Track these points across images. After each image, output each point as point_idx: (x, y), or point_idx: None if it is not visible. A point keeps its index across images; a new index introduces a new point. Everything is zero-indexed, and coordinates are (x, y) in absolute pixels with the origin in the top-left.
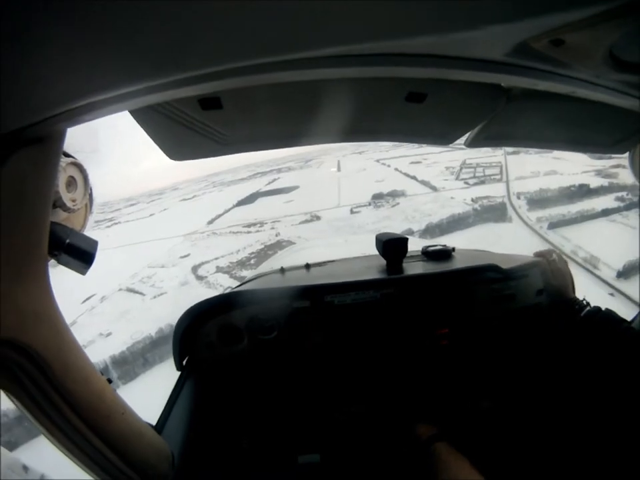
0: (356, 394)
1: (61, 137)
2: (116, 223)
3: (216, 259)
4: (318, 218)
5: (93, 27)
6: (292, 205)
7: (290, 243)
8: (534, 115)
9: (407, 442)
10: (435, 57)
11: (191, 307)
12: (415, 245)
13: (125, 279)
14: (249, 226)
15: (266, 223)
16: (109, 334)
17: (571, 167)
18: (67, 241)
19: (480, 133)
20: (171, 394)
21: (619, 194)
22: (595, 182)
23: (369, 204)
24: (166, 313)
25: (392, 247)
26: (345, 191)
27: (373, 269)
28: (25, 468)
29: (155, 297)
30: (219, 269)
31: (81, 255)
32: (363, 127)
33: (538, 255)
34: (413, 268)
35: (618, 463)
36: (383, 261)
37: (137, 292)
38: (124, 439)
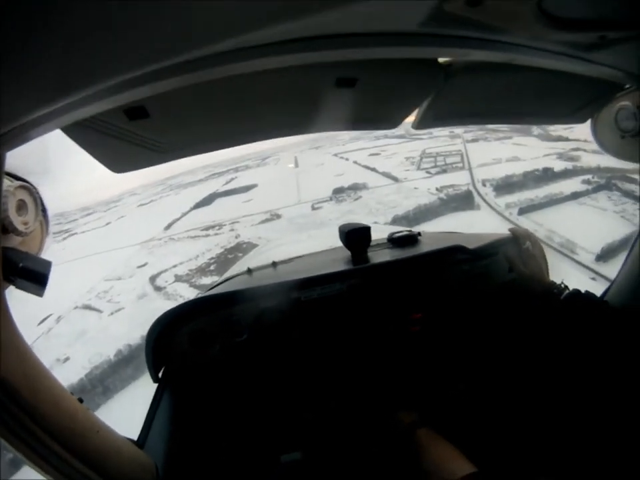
0: (334, 388)
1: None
2: (72, 234)
3: (174, 266)
4: (278, 216)
5: (5, 48)
6: (251, 205)
7: (251, 244)
8: (478, 89)
9: (388, 431)
10: (349, 36)
11: (160, 316)
12: (383, 234)
13: (81, 295)
14: (207, 229)
15: (225, 225)
16: (66, 359)
17: (532, 151)
18: (20, 264)
19: (426, 114)
20: (150, 406)
21: (585, 177)
22: (558, 165)
23: (330, 199)
24: (124, 332)
25: (355, 236)
26: (304, 187)
27: (338, 261)
28: None
29: (112, 314)
30: (178, 278)
31: (34, 278)
32: (298, 118)
33: (513, 232)
34: (379, 256)
35: (602, 442)
36: (348, 252)
37: (93, 309)
38: (103, 457)
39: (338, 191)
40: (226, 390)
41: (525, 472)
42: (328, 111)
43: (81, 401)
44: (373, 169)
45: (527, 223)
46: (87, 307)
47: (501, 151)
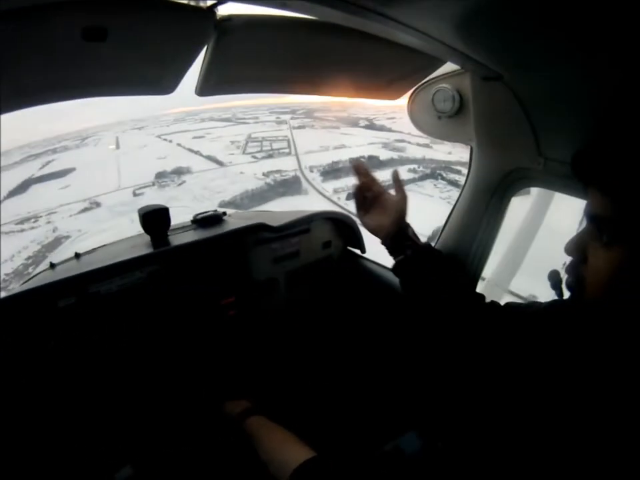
0: (152, 389)
1: None
2: None
3: None
4: (98, 204)
5: None
6: (69, 191)
7: (69, 238)
8: (265, 49)
9: (217, 424)
10: None
11: None
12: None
13: None
14: (22, 222)
15: (41, 217)
16: None
17: (358, 140)
18: None
19: (207, 77)
20: None
21: (411, 166)
22: (384, 154)
23: (153, 184)
24: None
25: (152, 218)
26: (125, 171)
27: (138, 246)
28: None
29: None
30: None
31: None
32: (41, 80)
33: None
34: (180, 238)
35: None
36: (148, 237)
37: None
38: None
39: (161, 175)
40: (45, 408)
41: (363, 450)
42: (84, 72)
43: None
44: (197, 152)
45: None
46: None
47: (328, 139)
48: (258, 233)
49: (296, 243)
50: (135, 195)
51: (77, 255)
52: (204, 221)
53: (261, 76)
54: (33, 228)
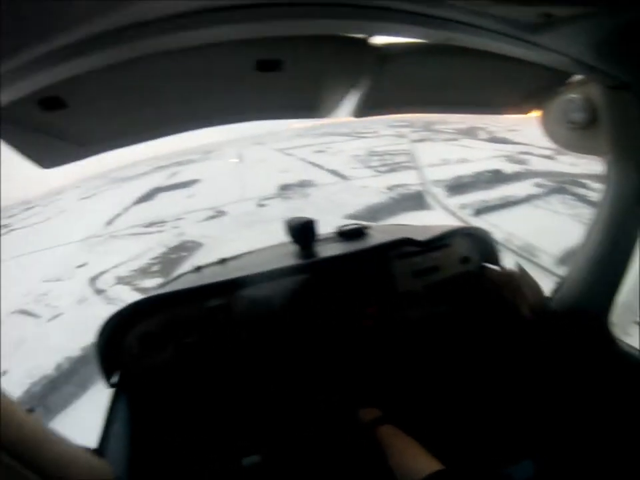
0: (291, 388)
1: None
2: (11, 231)
3: (115, 267)
4: (223, 213)
5: None
6: (194, 200)
7: (196, 243)
8: (414, 74)
9: (349, 429)
10: (273, 6)
11: (107, 319)
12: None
13: (19, 298)
14: (149, 225)
15: (167, 222)
16: (4, 372)
17: (479, 153)
18: None
19: (363, 101)
20: (106, 413)
21: (536, 180)
22: (508, 167)
23: (276, 196)
24: (63, 341)
25: (300, 230)
26: (249, 183)
27: (287, 256)
28: None
29: (50, 320)
30: (120, 280)
31: None
32: (220, 108)
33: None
34: (327, 250)
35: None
36: (296, 247)
37: (31, 314)
38: (58, 468)
39: (284, 188)
40: (182, 393)
41: (490, 467)
42: (249, 98)
43: (31, 410)
44: (320, 166)
45: (483, 224)
46: (25, 312)
47: (449, 152)
48: (401, 246)
49: (436, 257)
50: (258, 205)
51: (223, 260)
52: (348, 234)
53: (411, 98)
54: (159, 232)
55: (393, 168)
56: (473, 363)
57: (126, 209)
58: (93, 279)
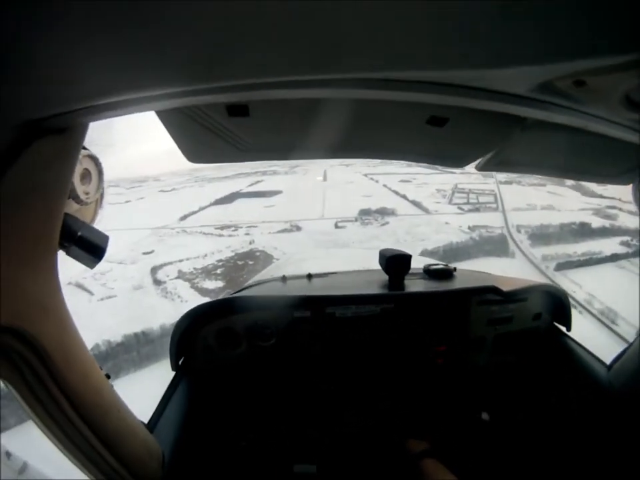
0: (352, 407)
1: (83, 129)
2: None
3: (180, 261)
4: (298, 228)
5: (129, 30)
6: (272, 211)
7: (264, 253)
8: (545, 144)
9: (398, 457)
10: (459, 87)
11: (192, 309)
12: (415, 263)
13: (77, 272)
14: (222, 228)
15: (241, 227)
16: None
17: (567, 202)
18: (79, 233)
19: (492, 158)
20: (164, 393)
21: (623, 238)
22: (595, 221)
23: (356, 219)
24: (109, 324)
25: (395, 262)
26: (329, 203)
27: (375, 283)
28: (8, 454)
29: (102, 299)
30: (181, 275)
31: (91, 249)
32: (385, 145)
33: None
34: (415, 285)
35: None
36: (385, 276)
37: (85, 289)
38: (119, 437)
39: (365, 213)
40: (244, 391)
41: None
42: (412, 144)
43: (108, 377)
44: (403, 196)
45: (565, 281)
46: (80, 286)
47: (535, 197)
48: (486, 293)
49: (512, 309)
50: (336, 227)
51: (309, 276)
52: (436, 273)
53: (535, 163)
54: (230, 236)
55: (477, 207)
56: (523, 417)
57: (202, 208)
58: (155, 269)
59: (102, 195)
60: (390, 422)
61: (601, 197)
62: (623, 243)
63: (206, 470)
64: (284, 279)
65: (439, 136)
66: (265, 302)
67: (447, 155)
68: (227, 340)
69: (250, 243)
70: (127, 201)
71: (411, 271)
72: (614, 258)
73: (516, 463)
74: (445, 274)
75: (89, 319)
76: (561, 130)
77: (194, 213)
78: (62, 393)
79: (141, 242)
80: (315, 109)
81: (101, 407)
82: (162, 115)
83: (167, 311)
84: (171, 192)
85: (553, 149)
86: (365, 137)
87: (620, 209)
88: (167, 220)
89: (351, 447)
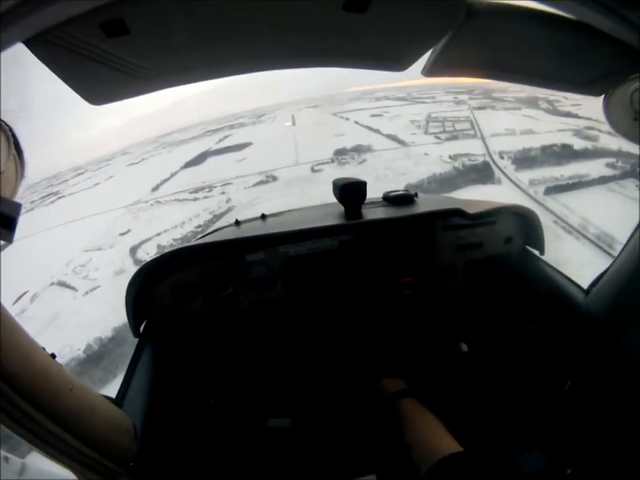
0: (320, 350)
1: None
2: (60, 197)
3: (158, 234)
4: (274, 178)
5: None
6: (245, 164)
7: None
8: (498, 37)
9: (373, 398)
10: None
11: (141, 267)
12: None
13: (58, 269)
14: (196, 191)
15: (215, 187)
16: None
17: (544, 125)
18: None
19: (438, 58)
20: (130, 362)
21: (608, 160)
22: (576, 143)
23: (332, 161)
24: (96, 318)
25: (349, 191)
26: (302, 147)
27: (331, 215)
28: (6, 459)
29: (86, 293)
30: (160, 249)
31: (1, 221)
32: (298, 47)
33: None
34: (373, 214)
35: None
36: (341, 208)
37: (68, 286)
38: (76, 417)
39: (340, 152)
40: (209, 347)
41: (499, 454)
42: (331, 40)
43: (53, 356)
44: (377, 130)
45: (556, 205)
46: (62, 284)
47: (511, 121)
48: (448, 218)
49: (481, 233)
50: (313, 171)
51: (263, 216)
52: (396, 200)
53: (491, 63)
54: (206, 197)
55: (455, 135)
56: (501, 346)
57: (173, 174)
58: (134, 249)
59: (20, 163)
60: (361, 362)
61: (577, 116)
62: (608, 165)
63: (180, 436)
64: (237, 223)
65: (362, 26)
66: (214, 248)
67: (378, 53)
68: (183, 295)
69: (227, 202)
70: (96, 184)
71: (369, 200)
72: (603, 180)
73: (496, 395)
74: (406, 199)
75: (75, 317)
76: (518, 18)
77: (165, 180)
78: (3, 381)
79: (115, 223)
80: (204, 13)
81: (50, 388)
82: (38, 52)
83: None
84: (140, 163)
85: (509, 43)
86: (272, 41)
87: (599, 130)
88: (139, 194)
89: (323, 393)
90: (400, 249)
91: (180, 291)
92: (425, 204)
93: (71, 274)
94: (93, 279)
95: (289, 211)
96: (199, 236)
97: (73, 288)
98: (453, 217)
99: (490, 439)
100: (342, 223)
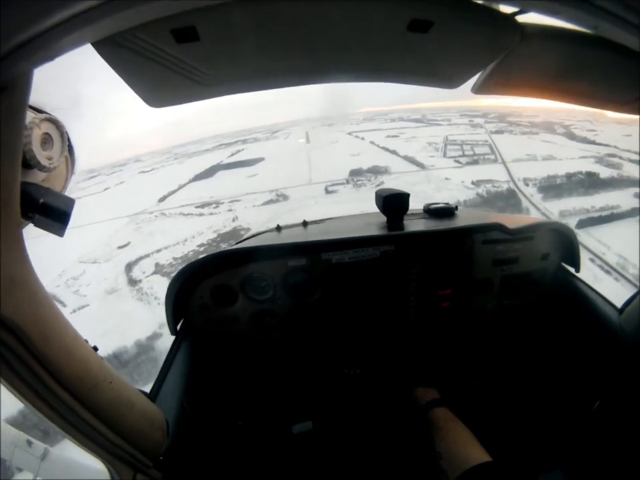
0: (355, 356)
1: (25, 81)
2: None
3: (157, 251)
4: (285, 197)
5: None
6: (255, 180)
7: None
8: (548, 58)
9: (405, 406)
10: None
11: (184, 268)
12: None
13: (52, 279)
14: (202, 206)
15: (222, 203)
16: None
17: (564, 151)
18: (41, 200)
19: (489, 77)
20: (165, 359)
21: (635, 190)
22: (600, 171)
23: (347, 182)
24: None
25: (392, 202)
26: (316, 165)
27: (373, 225)
28: (29, 442)
29: (74, 311)
30: (158, 269)
31: (55, 215)
32: (361, 63)
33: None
34: (415, 225)
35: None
36: (383, 218)
37: (57, 300)
38: (113, 409)
39: (356, 173)
40: (245, 347)
41: (537, 466)
42: (392, 57)
43: (95, 349)
44: (394, 152)
45: (590, 241)
46: (52, 298)
47: (531, 146)
48: (490, 231)
49: (518, 249)
50: (327, 191)
51: (305, 223)
52: (437, 212)
53: (539, 83)
54: (212, 214)
55: (475, 160)
56: (533, 362)
57: (182, 186)
58: (130, 265)
59: (72, 159)
60: (395, 370)
61: (594, 142)
62: (636, 195)
63: (209, 436)
64: (278, 228)
65: (423, 45)
66: (257, 253)
67: (435, 71)
68: (222, 296)
69: (233, 221)
70: (105, 189)
71: (410, 212)
72: (634, 212)
73: (527, 410)
74: (447, 212)
75: None
76: (567, 39)
77: (173, 192)
78: (45, 371)
79: (117, 234)
80: (274, 25)
81: (90, 380)
82: (104, 52)
83: (143, 318)
84: (150, 172)
85: (558, 64)
86: (335, 55)
87: (620, 157)
88: (145, 203)
89: (353, 398)
90: (439, 261)
91: (219, 293)
92: (465, 217)
93: (62, 286)
94: (83, 294)
95: (329, 218)
96: (241, 238)
97: (61, 303)
98: (493, 230)
99: (514, 453)
100: (385, 233)
